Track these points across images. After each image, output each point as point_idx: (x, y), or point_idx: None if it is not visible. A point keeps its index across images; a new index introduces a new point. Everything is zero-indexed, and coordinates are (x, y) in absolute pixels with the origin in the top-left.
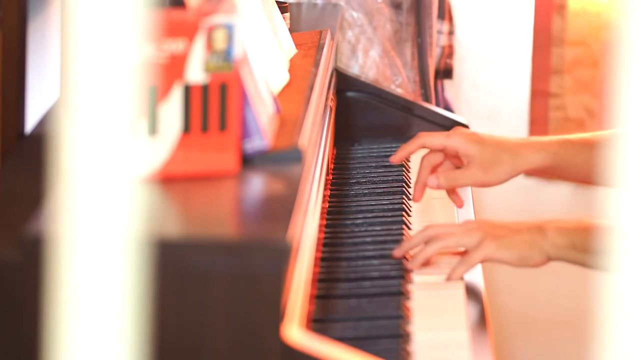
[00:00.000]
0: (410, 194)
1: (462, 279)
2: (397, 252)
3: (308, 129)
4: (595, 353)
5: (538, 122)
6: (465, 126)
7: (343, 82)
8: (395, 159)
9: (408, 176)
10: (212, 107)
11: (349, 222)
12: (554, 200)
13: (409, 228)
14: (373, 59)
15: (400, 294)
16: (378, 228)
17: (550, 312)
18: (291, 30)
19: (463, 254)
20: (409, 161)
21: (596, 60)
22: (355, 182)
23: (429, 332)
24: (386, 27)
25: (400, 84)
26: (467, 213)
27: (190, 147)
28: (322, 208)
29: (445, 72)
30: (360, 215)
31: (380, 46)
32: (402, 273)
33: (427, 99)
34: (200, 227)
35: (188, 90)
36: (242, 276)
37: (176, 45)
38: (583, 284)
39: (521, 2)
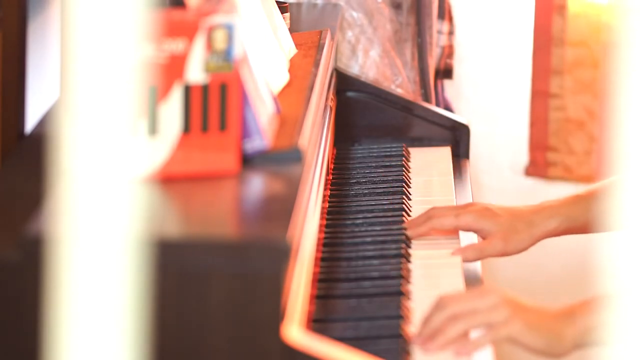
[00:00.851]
0: (410, 194)
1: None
2: (426, 342)
3: (308, 129)
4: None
5: (538, 122)
6: (466, 126)
7: (343, 82)
8: (409, 234)
9: (408, 176)
10: (212, 107)
11: (349, 222)
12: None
13: None
14: (373, 59)
15: (400, 294)
16: (378, 228)
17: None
18: (291, 30)
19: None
20: (409, 161)
21: (596, 60)
22: (355, 182)
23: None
24: (386, 27)
25: (400, 84)
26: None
27: (190, 147)
28: (322, 208)
29: (445, 72)
30: (360, 215)
31: (380, 46)
32: (402, 273)
33: (427, 99)
34: (200, 227)
35: (188, 90)
36: (242, 276)
37: (176, 45)
38: (583, 284)
39: (521, 3)
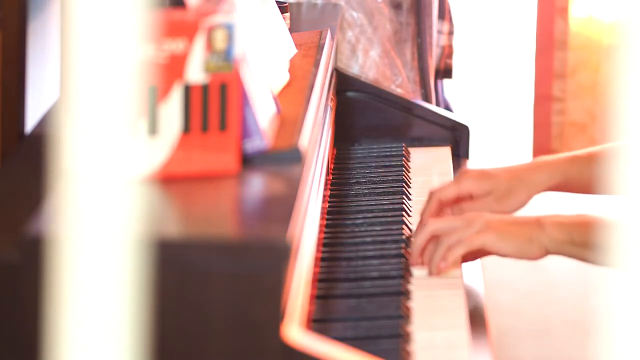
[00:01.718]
0: (410, 194)
1: (460, 267)
2: (412, 259)
3: (308, 129)
4: (595, 352)
5: (541, 125)
6: (466, 126)
7: (343, 82)
8: (421, 225)
9: (408, 176)
10: (212, 107)
11: (349, 222)
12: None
13: (409, 229)
14: (373, 59)
15: (400, 294)
16: (378, 228)
17: (551, 312)
18: (291, 30)
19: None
20: (409, 161)
21: (599, 64)
22: (355, 182)
23: (429, 332)
24: (386, 27)
25: (400, 84)
26: None
27: (190, 147)
28: (322, 208)
29: (445, 72)
30: (360, 215)
31: (380, 46)
32: (402, 273)
33: (427, 99)
34: (200, 227)
35: (188, 90)
36: (242, 276)
37: (176, 45)
38: (584, 284)
39: (523, 6)
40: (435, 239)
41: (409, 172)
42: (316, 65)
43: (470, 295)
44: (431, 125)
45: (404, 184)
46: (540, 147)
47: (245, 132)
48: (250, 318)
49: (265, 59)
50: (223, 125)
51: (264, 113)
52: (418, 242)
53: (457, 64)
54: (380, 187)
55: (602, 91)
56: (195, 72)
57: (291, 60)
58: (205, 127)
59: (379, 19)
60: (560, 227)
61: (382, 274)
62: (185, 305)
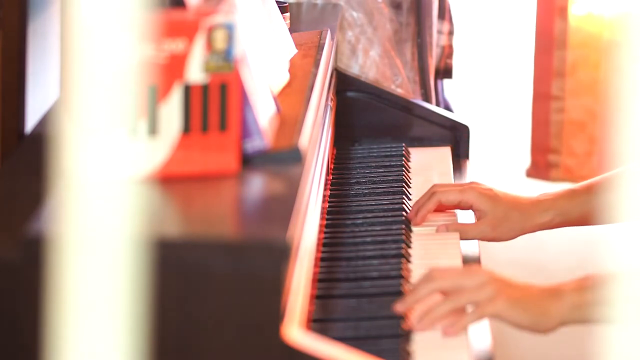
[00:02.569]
0: (410, 194)
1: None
2: (400, 306)
3: (308, 129)
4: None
5: (540, 124)
6: (466, 126)
7: (343, 82)
8: (417, 220)
9: (408, 176)
10: (212, 107)
11: (349, 222)
12: None
13: (409, 228)
14: (373, 59)
15: (400, 294)
16: (378, 228)
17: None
18: (291, 30)
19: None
20: (409, 161)
21: (598, 62)
22: (355, 182)
23: (429, 332)
24: (386, 27)
25: (400, 84)
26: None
27: (190, 147)
28: (322, 208)
29: (445, 72)
30: (360, 215)
31: (380, 46)
32: (402, 273)
33: (427, 99)
34: (200, 227)
35: (188, 90)
36: (242, 276)
37: (176, 45)
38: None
39: (523, 5)
40: (439, 292)
41: (409, 172)
42: (316, 65)
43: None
44: (431, 125)
45: (404, 184)
46: (539, 145)
47: (245, 132)
48: (250, 318)
49: (265, 59)
50: (223, 125)
51: (264, 113)
52: (418, 295)
53: (456, 63)
54: (380, 187)
55: (602, 90)
56: (195, 72)
57: (291, 60)
58: (205, 127)
59: (379, 19)
60: (579, 290)
61: (382, 274)
62: (185, 305)
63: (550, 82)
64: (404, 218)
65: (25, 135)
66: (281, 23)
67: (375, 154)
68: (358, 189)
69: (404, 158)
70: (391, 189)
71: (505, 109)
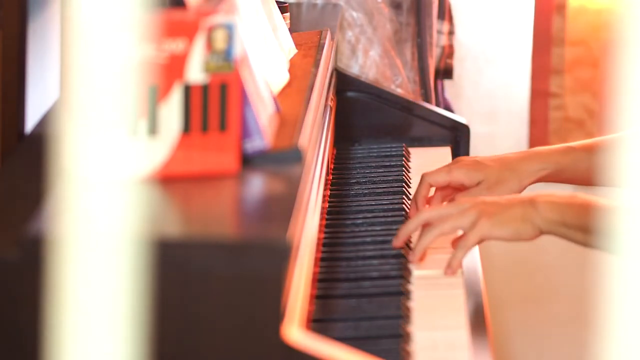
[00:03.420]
0: (410, 194)
1: (461, 266)
2: (397, 241)
3: (308, 129)
4: (595, 352)
5: (538, 122)
6: (466, 126)
7: (343, 82)
8: (412, 212)
9: (408, 176)
10: (212, 107)
11: (349, 222)
12: None
13: None
14: (373, 59)
15: (400, 294)
16: (378, 228)
17: (551, 311)
18: (291, 30)
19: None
20: (409, 161)
21: (596, 60)
22: (355, 182)
23: (429, 332)
24: (386, 27)
25: (400, 84)
26: None
27: (190, 147)
28: (322, 208)
29: (445, 72)
30: (360, 215)
31: (380, 46)
32: (402, 273)
33: (427, 99)
34: (200, 227)
35: (188, 90)
36: (242, 276)
37: (176, 45)
38: (584, 284)
39: (521, 2)
40: (427, 226)
41: (409, 172)
42: (316, 65)
43: (470, 295)
44: (431, 125)
45: (404, 184)
46: (538, 143)
47: (245, 132)
48: (250, 318)
49: (265, 59)
50: (223, 125)
51: (264, 113)
52: (409, 228)
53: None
54: (380, 187)
55: (600, 87)
56: (195, 72)
57: (291, 60)
58: (205, 127)
59: (379, 19)
60: (553, 206)
61: (382, 274)
62: (185, 305)
63: (549, 80)
64: (404, 218)
65: (25, 135)
66: (281, 23)
67: (375, 154)
68: (358, 189)
69: (404, 158)
70: (391, 189)
71: (503, 106)
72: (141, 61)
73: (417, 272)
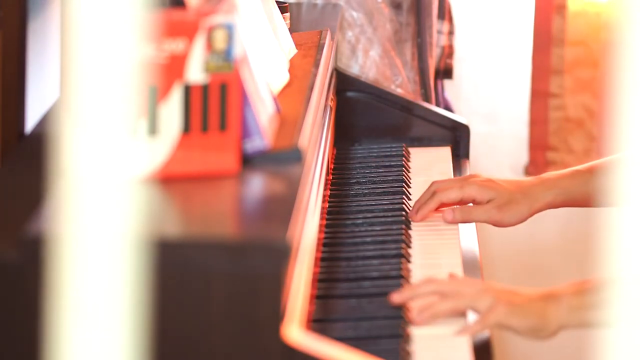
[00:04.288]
0: (410, 194)
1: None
2: (397, 297)
3: (308, 129)
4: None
5: (538, 122)
6: (466, 126)
7: (343, 82)
8: (417, 218)
9: (408, 176)
10: (212, 107)
11: (349, 222)
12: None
13: (409, 228)
14: (373, 59)
15: None
16: (378, 228)
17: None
18: (291, 30)
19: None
20: (409, 161)
21: (596, 60)
22: (355, 182)
23: (429, 332)
24: (386, 27)
25: (400, 84)
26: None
27: (190, 147)
28: (322, 208)
29: (445, 72)
30: (360, 215)
31: (380, 46)
32: (402, 273)
33: (427, 99)
34: (200, 227)
35: (188, 90)
36: (242, 276)
37: (176, 45)
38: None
39: (521, 2)
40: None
41: (409, 172)
42: (316, 65)
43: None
44: (431, 125)
45: (404, 184)
46: (537, 143)
47: (245, 132)
48: (250, 318)
49: (265, 59)
50: (223, 125)
51: (264, 113)
52: (418, 292)
53: (455, 61)
54: (380, 187)
55: (600, 87)
56: (195, 72)
57: (291, 60)
58: (205, 127)
59: (379, 19)
60: (576, 294)
61: (382, 274)
62: (186, 305)
63: (549, 80)
64: (404, 218)
65: (25, 135)
66: (281, 23)
67: (375, 154)
68: (358, 189)
69: (404, 158)
70: (391, 189)
71: (503, 106)
72: (141, 61)
73: (418, 272)
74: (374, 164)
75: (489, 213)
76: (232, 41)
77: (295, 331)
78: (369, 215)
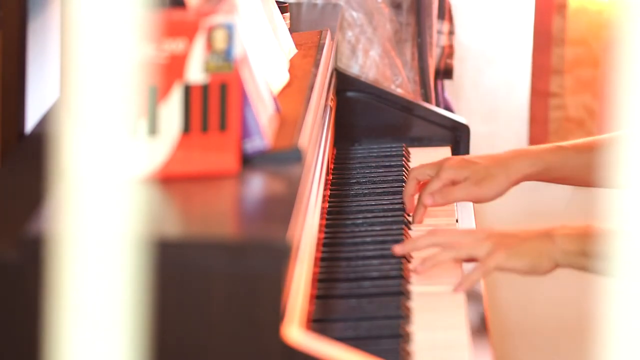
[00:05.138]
0: None
1: (472, 287)
2: (399, 249)
3: (308, 129)
4: (595, 354)
5: (538, 121)
6: (466, 126)
7: (343, 82)
8: (408, 208)
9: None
10: (212, 107)
11: (349, 222)
12: (554, 201)
13: (409, 228)
14: (373, 59)
15: (400, 294)
16: (378, 228)
17: (551, 311)
18: (291, 30)
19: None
20: (409, 161)
21: (596, 59)
22: (355, 182)
23: (429, 332)
24: (386, 27)
25: (400, 84)
26: (467, 212)
27: (190, 147)
28: (322, 208)
29: (445, 72)
30: (360, 215)
31: (380, 46)
32: (402, 273)
33: (427, 99)
34: (200, 227)
35: (188, 90)
36: (242, 276)
37: (176, 45)
38: (584, 285)
39: (521, 2)
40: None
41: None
42: (316, 65)
43: (470, 295)
44: (431, 125)
45: (403, 184)
46: (538, 142)
47: (245, 132)
48: (250, 318)
49: (265, 59)
50: (223, 125)
51: (264, 113)
52: (418, 244)
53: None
54: (380, 187)
55: (600, 87)
56: (195, 72)
57: (291, 60)
58: (205, 127)
59: (379, 19)
60: (571, 238)
61: (382, 274)
62: (185, 305)
63: (549, 79)
64: (404, 218)
65: (25, 135)
66: (281, 23)
67: (375, 154)
68: (358, 189)
69: (404, 158)
70: (391, 189)
71: (503, 106)
72: (141, 61)
73: (417, 287)
74: (374, 164)
75: (468, 190)
76: (232, 41)
77: (295, 331)
78: (369, 215)
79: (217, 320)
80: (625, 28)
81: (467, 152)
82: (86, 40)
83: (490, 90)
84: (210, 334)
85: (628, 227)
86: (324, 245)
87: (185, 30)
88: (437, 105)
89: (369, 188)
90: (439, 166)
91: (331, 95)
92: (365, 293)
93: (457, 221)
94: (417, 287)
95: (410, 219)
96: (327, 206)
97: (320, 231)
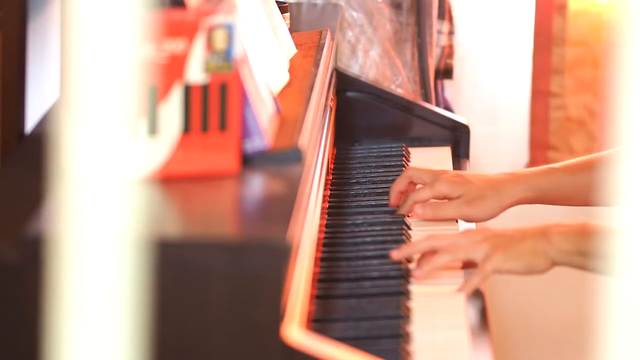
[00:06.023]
0: None
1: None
2: (396, 254)
3: (308, 129)
4: (595, 354)
5: (538, 122)
6: (466, 126)
7: (343, 82)
8: (392, 201)
9: None
10: (212, 107)
11: (349, 222)
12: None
13: (409, 228)
14: (373, 59)
15: (400, 294)
16: (378, 228)
17: (551, 311)
18: (291, 30)
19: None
20: (409, 161)
21: (597, 60)
22: (355, 182)
23: (429, 332)
24: (386, 27)
25: (400, 84)
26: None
27: (190, 147)
28: (322, 208)
29: (445, 72)
30: (360, 215)
31: (380, 46)
32: (402, 273)
33: (427, 99)
34: (200, 227)
35: (188, 90)
36: (242, 276)
37: (176, 45)
38: (584, 286)
39: (522, 2)
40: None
41: None
42: (316, 65)
43: (470, 295)
44: (431, 125)
45: None
46: (538, 143)
47: (245, 132)
48: (250, 318)
49: (265, 59)
50: (223, 125)
51: (264, 113)
52: (416, 248)
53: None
54: (380, 187)
55: (601, 87)
56: (195, 72)
57: (291, 60)
58: (205, 127)
59: (379, 19)
60: (567, 236)
61: (382, 274)
62: (185, 305)
63: (549, 79)
64: (403, 218)
65: (25, 135)
66: (281, 23)
67: (375, 154)
68: (358, 189)
69: (404, 158)
70: None
71: (504, 106)
72: (141, 61)
73: (417, 288)
74: (374, 164)
75: (459, 208)
76: (232, 41)
77: (295, 331)
78: (369, 215)
79: (217, 320)
80: (624, 29)
81: (467, 152)
82: (86, 40)
83: (490, 90)
84: (210, 334)
85: (625, 225)
86: (324, 245)
87: (185, 30)
88: (437, 105)
89: (369, 188)
90: (435, 176)
91: (331, 95)
92: (365, 293)
93: (456, 221)
94: (417, 287)
95: (410, 219)
96: (327, 206)
97: (320, 231)
